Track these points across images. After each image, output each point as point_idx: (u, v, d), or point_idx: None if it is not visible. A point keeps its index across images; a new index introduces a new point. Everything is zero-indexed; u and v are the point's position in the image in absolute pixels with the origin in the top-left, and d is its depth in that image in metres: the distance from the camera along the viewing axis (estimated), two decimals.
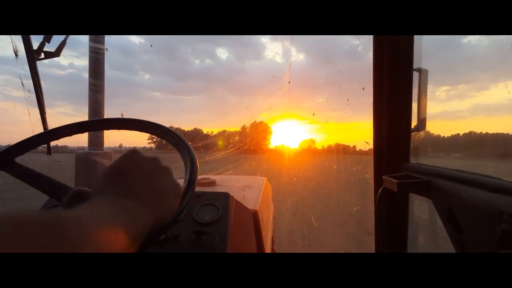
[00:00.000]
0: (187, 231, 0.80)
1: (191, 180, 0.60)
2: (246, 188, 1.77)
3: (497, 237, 0.43)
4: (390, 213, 0.97)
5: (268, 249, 1.62)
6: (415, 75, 1.00)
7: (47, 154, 1.04)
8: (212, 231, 0.80)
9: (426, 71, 0.99)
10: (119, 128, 0.76)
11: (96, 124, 0.79)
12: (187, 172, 0.62)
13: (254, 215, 1.18)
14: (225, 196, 0.91)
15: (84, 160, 1.76)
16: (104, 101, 1.97)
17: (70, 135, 0.76)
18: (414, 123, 1.00)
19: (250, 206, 1.21)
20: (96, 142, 1.81)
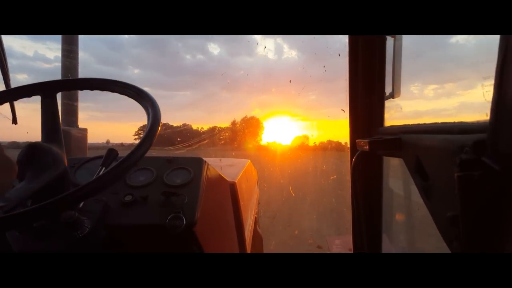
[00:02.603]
0: (156, 192, 0.78)
1: (151, 129, 0.59)
2: (227, 166, 1.76)
3: (456, 166, 0.43)
4: (365, 178, 0.98)
5: (248, 227, 1.61)
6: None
7: (12, 123, 1.01)
8: (182, 193, 0.78)
9: (401, 37, 0.99)
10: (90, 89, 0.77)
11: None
12: (149, 122, 0.61)
13: (232, 186, 1.17)
14: (199, 161, 0.89)
15: None
16: (78, 68, 1.93)
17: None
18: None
19: (228, 178, 1.20)
20: (69, 120, 1.77)
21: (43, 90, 0.73)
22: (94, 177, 0.65)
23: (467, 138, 0.48)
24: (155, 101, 0.66)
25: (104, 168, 0.68)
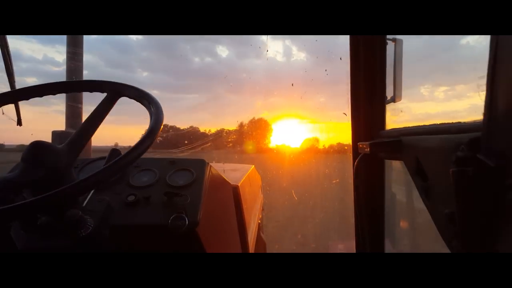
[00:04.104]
0: (159, 193, 0.79)
1: (153, 129, 0.61)
2: (230, 171, 1.77)
3: (452, 164, 0.44)
4: (367, 181, 0.98)
5: (251, 232, 1.62)
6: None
7: (17, 124, 1.03)
8: (185, 193, 0.79)
9: (401, 41, 1.00)
10: (70, 91, 0.79)
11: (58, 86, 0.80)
12: (151, 121, 0.63)
13: (235, 190, 1.18)
14: (201, 163, 0.90)
15: (59, 138, 1.78)
16: (82, 70, 1.94)
17: (41, 95, 0.76)
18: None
19: (231, 182, 1.21)
20: (73, 123, 1.80)
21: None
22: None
23: (463, 137, 0.48)
24: (157, 100, 0.68)
25: None
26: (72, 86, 0.81)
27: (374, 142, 0.81)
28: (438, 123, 0.64)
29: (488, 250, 0.38)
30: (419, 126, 0.71)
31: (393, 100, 1.02)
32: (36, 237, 0.61)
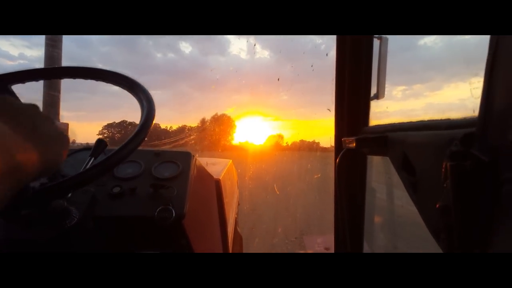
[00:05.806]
0: (145, 185, 0.77)
1: (145, 123, 0.59)
2: (210, 165, 1.75)
3: (446, 158, 0.45)
4: (349, 177, 1.00)
5: (230, 227, 1.61)
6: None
7: None
8: (171, 185, 0.77)
9: (387, 39, 1.02)
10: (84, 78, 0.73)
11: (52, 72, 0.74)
12: (143, 115, 0.60)
13: (217, 183, 1.17)
14: (187, 155, 0.88)
15: None
16: (61, 58, 1.85)
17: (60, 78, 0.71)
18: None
19: (213, 175, 1.20)
20: (50, 111, 1.71)
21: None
22: (85, 167, 0.63)
23: (455, 132, 0.50)
24: (150, 94, 0.65)
25: (93, 159, 0.66)
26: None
27: (359, 138, 0.82)
28: (426, 119, 0.66)
29: (483, 245, 0.39)
30: (404, 122, 0.73)
31: (377, 97, 1.04)
32: (18, 229, 0.58)
